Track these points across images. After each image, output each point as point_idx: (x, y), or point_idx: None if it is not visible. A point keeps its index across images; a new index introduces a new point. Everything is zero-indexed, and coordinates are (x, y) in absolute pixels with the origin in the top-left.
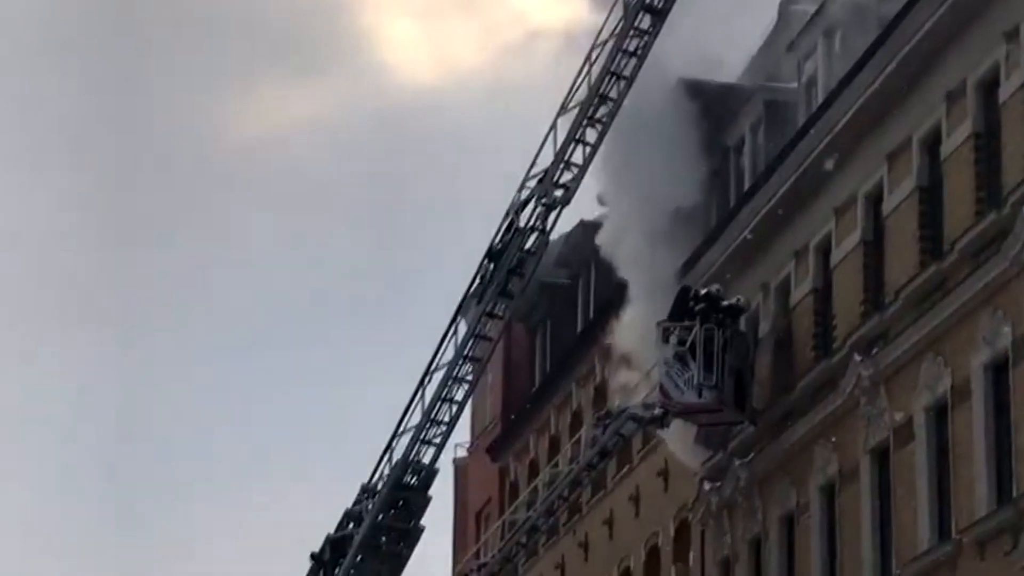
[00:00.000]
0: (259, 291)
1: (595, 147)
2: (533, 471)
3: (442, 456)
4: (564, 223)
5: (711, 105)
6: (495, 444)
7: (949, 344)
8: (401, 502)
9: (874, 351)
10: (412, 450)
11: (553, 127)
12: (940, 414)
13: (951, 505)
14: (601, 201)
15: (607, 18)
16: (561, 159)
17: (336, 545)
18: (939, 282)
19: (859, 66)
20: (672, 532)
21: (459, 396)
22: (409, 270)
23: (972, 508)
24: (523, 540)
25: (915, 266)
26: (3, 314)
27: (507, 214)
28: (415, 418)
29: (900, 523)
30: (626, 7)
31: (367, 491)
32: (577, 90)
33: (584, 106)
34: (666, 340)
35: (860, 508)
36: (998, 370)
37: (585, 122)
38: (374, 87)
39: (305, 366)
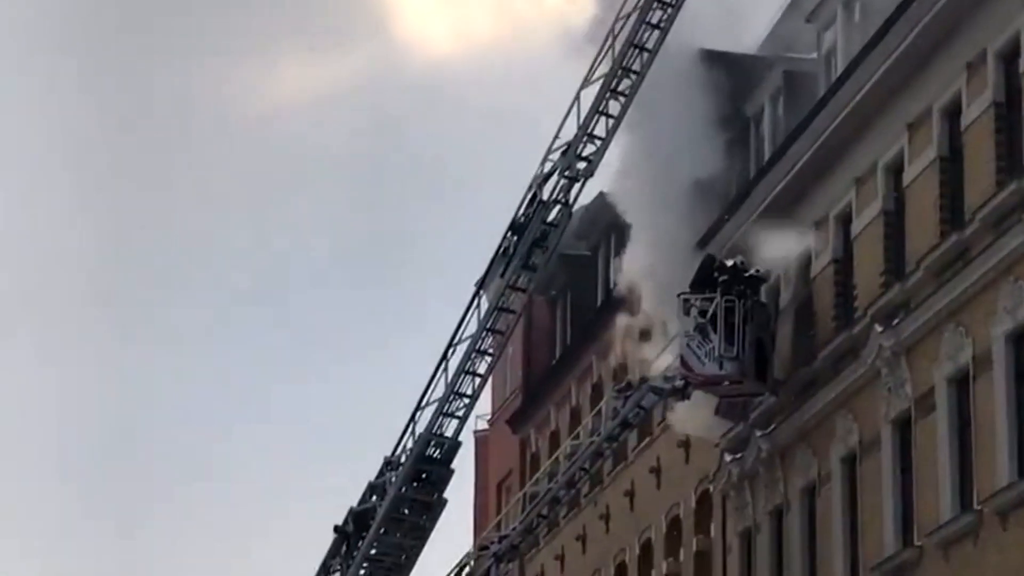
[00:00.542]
0: (276, 262)
1: (618, 119)
2: (554, 443)
3: (463, 429)
4: (584, 195)
5: (731, 76)
6: (516, 416)
7: (970, 314)
8: (424, 475)
9: (895, 321)
10: (435, 423)
11: (576, 99)
12: (961, 384)
13: (972, 475)
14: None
15: None
16: (584, 132)
17: (359, 518)
18: (960, 252)
19: (879, 36)
20: (693, 503)
21: (482, 369)
22: (428, 243)
23: (993, 478)
24: (544, 512)
25: (936, 236)
26: (3, 312)
27: (530, 187)
28: (437, 391)
29: (921, 493)
30: None
31: (390, 464)
32: (600, 62)
33: (607, 78)
34: (687, 312)
35: (881, 478)
36: (1019, 339)
37: (608, 95)
38: (392, 60)
39: (326, 338)
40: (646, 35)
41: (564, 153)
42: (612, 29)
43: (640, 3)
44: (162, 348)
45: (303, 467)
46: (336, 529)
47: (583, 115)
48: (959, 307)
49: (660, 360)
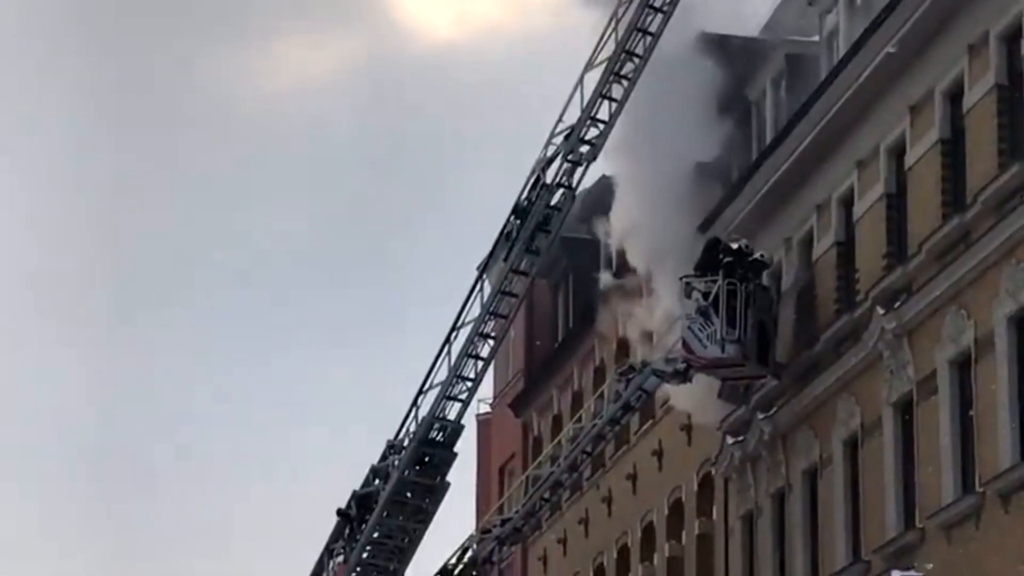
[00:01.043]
0: (274, 244)
1: (621, 103)
2: (556, 426)
3: (466, 412)
4: (586, 178)
5: (732, 59)
6: (518, 399)
7: (972, 296)
8: (427, 458)
9: (897, 304)
10: (438, 406)
11: (580, 83)
12: (963, 367)
13: (974, 458)
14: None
15: None
16: (587, 115)
17: (362, 501)
18: (962, 234)
19: (880, 19)
20: (695, 486)
21: (484, 352)
22: (429, 227)
23: (995, 461)
24: (546, 495)
25: (938, 219)
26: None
27: (533, 171)
28: (440, 375)
29: (923, 476)
30: None
31: (393, 447)
32: (604, 46)
33: (611, 62)
34: (689, 295)
35: (883, 461)
36: (1021, 322)
37: (612, 78)
38: (393, 43)
39: (327, 320)
40: (649, 19)
41: (567, 137)
42: (615, 13)
43: None
44: (160, 336)
45: (305, 451)
46: (339, 512)
47: (586, 99)
48: (961, 290)
49: (662, 344)
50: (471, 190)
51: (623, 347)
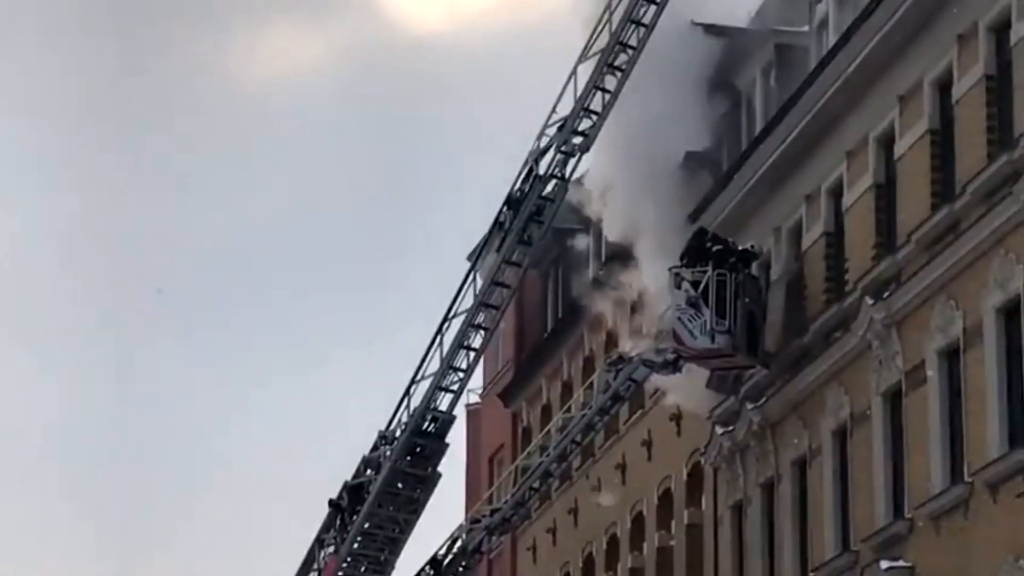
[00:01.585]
0: (264, 237)
1: (615, 94)
2: (546, 416)
3: (457, 403)
4: (578, 168)
5: (722, 49)
6: (508, 389)
7: (961, 287)
8: (418, 449)
9: (886, 294)
10: (430, 397)
11: (573, 74)
12: (952, 357)
13: (963, 447)
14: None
15: None
16: (581, 107)
17: (354, 492)
18: (951, 225)
19: (870, 9)
20: (685, 476)
21: (476, 343)
22: (418, 218)
23: (984, 450)
24: (536, 485)
25: (927, 209)
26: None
27: (526, 162)
28: (430, 366)
29: (912, 466)
30: None
31: (385, 438)
32: (597, 37)
33: (605, 53)
34: (678, 285)
35: (872, 451)
36: (1010, 312)
37: (605, 69)
38: (383, 32)
39: (315, 315)
40: (643, 10)
41: (560, 128)
42: (609, 4)
43: None
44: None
45: (296, 442)
46: (330, 503)
47: (579, 90)
48: (950, 280)
49: (651, 334)
50: (461, 180)
51: (612, 337)
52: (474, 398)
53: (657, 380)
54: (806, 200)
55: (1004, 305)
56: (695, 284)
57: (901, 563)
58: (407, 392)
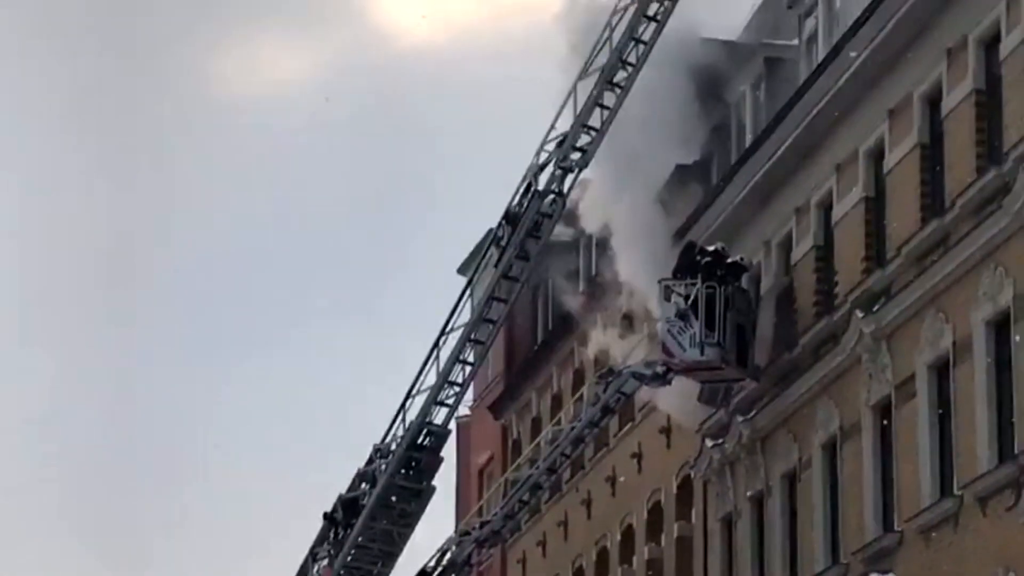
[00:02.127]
0: (255, 250)
1: (614, 111)
2: (535, 429)
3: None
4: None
5: (712, 62)
6: (498, 402)
7: (951, 300)
8: (414, 462)
9: (876, 307)
10: (427, 411)
11: (573, 91)
12: (942, 370)
13: (953, 461)
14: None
15: None
16: (580, 123)
17: (348, 505)
18: (940, 238)
19: (860, 23)
20: (674, 489)
21: (472, 357)
22: (410, 230)
23: (974, 464)
24: (525, 498)
25: (916, 222)
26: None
27: (525, 177)
28: (428, 380)
29: (902, 479)
30: None
31: (380, 452)
32: (597, 54)
33: (605, 70)
34: (668, 298)
35: (862, 464)
36: (999, 326)
37: (605, 86)
38: (371, 45)
39: (308, 328)
40: (642, 28)
41: (560, 144)
42: (610, 22)
43: None
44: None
45: (291, 456)
46: (325, 516)
47: (578, 106)
48: (939, 293)
49: (641, 346)
50: (454, 192)
51: (602, 350)
52: (464, 410)
53: (647, 393)
54: (796, 213)
55: (994, 318)
56: (685, 296)
57: None
58: (403, 406)
